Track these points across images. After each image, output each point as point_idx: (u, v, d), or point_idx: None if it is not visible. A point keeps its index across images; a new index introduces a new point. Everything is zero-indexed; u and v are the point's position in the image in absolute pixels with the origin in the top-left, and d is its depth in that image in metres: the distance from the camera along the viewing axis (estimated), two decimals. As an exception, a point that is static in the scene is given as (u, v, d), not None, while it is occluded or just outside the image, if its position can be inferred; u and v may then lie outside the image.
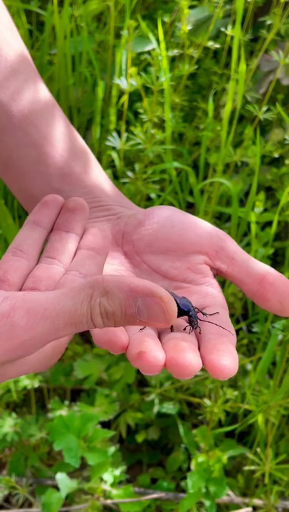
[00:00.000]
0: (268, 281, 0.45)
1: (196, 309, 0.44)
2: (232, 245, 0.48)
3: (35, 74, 0.54)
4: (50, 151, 0.52)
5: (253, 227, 0.83)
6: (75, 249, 0.47)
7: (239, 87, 0.84)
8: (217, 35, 1.07)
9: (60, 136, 0.53)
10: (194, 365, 0.38)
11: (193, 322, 0.42)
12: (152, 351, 0.38)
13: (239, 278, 0.47)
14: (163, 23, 1.00)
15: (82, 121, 1.01)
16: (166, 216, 0.50)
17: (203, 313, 0.44)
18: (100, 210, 0.53)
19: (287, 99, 1.03)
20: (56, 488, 0.84)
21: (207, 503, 0.79)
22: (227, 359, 0.39)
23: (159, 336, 0.42)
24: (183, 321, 0.43)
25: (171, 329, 0.43)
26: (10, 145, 0.52)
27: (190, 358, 0.38)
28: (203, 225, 0.49)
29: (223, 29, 1.00)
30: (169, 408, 0.90)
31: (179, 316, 0.42)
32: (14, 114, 0.51)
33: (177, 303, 0.42)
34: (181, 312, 0.42)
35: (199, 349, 0.41)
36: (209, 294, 0.47)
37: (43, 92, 0.54)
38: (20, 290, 0.43)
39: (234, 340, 0.43)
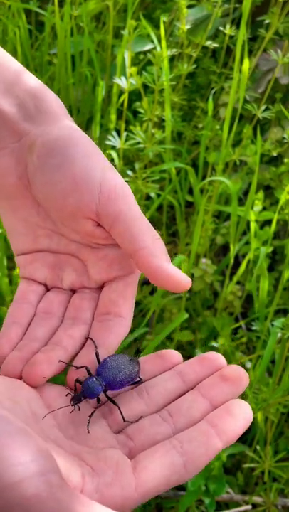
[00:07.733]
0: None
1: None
2: (113, 211, 0.42)
3: None
4: None
5: (252, 226, 0.83)
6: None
7: (241, 87, 0.84)
8: (216, 35, 1.07)
9: None
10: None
11: (74, 399, 0.40)
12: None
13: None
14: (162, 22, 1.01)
15: (82, 120, 1.01)
16: (58, 164, 0.42)
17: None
18: (5, 136, 0.45)
19: (286, 98, 1.03)
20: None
21: (207, 500, 0.79)
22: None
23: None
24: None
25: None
26: None
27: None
28: (89, 181, 0.42)
29: (221, 28, 1.00)
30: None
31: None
32: None
33: (88, 384, 0.40)
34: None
35: None
36: (115, 260, 0.44)
37: None
38: None
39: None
